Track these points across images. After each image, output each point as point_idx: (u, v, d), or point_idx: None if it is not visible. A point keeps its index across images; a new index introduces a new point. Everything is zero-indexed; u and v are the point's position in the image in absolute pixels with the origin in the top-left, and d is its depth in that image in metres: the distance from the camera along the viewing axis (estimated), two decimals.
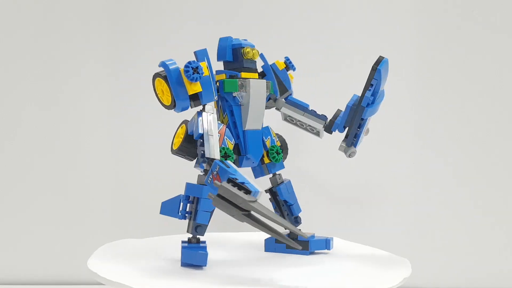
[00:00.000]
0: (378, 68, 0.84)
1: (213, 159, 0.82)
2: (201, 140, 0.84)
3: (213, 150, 0.83)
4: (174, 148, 0.88)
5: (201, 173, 0.86)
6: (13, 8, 1.21)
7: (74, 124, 1.23)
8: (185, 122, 0.88)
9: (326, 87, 1.19)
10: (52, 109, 1.22)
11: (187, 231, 0.87)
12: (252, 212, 0.76)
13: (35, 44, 1.21)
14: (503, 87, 1.20)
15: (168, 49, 1.21)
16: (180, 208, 0.87)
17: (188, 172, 0.95)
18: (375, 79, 0.85)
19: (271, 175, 0.95)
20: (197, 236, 0.86)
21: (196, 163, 0.87)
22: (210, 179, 0.80)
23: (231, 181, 0.77)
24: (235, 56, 0.90)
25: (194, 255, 0.84)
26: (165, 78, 0.84)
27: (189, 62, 0.83)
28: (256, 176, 0.94)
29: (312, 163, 1.22)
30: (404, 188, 1.22)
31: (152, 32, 1.21)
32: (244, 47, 0.90)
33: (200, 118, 0.85)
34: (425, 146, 1.21)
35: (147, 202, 1.23)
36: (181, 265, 0.85)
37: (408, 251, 1.12)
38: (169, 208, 0.87)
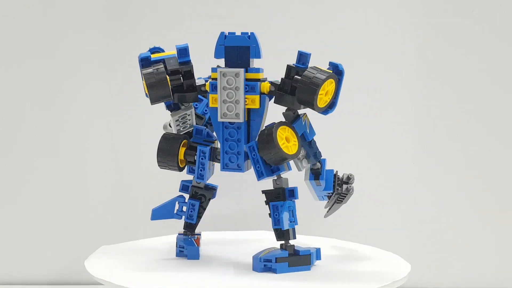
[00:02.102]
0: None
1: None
2: (314, 141, 0.86)
3: None
4: (293, 152, 0.81)
5: (276, 177, 0.84)
6: (12, 7, 1.21)
7: (74, 124, 1.23)
8: (286, 124, 0.83)
9: None
10: (52, 108, 1.22)
11: (288, 239, 0.84)
12: None
13: (34, 42, 1.21)
14: (503, 87, 1.20)
15: (168, 48, 1.21)
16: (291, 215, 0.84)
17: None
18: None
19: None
20: None
21: (274, 172, 0.83)
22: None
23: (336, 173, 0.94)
24: None
25: (313, 255, 0.86)
26: (337, 79, 0.81)
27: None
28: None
29: None
30: (404, 188, 1.22)
31: (152, 30, 1.21)
32: None
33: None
34: (425, 146, 1.21)
35: (147, 202, 1.23)
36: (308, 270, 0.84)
37: (408, 251, 1.12)
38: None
